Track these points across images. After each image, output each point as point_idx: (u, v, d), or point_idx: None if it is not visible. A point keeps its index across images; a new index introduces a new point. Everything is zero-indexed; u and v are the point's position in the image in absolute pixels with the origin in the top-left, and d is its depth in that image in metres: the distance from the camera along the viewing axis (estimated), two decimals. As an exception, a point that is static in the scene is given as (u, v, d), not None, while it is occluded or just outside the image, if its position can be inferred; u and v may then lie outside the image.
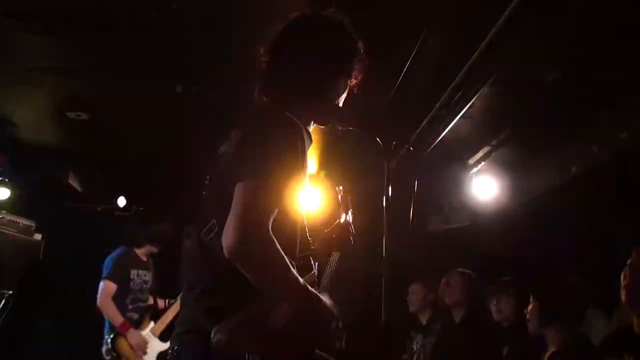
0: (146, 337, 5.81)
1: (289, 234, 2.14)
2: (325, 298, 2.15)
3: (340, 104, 2.48)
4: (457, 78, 4.63)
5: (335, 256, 2.67)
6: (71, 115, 5.95)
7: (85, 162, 7.59)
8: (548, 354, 3.90)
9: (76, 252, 8.33)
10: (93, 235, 8.53)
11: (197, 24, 4.33)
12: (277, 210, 1.98)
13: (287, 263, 1.96)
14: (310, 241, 2.47)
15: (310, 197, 6.30)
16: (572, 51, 4.13)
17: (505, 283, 4.85)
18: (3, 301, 5.97)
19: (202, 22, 4.29)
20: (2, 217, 6.38)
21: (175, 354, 2.07)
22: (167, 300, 6.46)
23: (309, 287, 2.08)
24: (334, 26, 2.42)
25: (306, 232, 2.38)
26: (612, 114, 4.84)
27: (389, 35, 4.25)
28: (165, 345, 5.89)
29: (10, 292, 6.04)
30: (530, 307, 4.01)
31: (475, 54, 4.25)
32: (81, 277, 8.32)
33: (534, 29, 3.68)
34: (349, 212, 2.93)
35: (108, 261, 5.99)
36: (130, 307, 5.94)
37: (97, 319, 6.98)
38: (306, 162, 2.13)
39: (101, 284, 5.84)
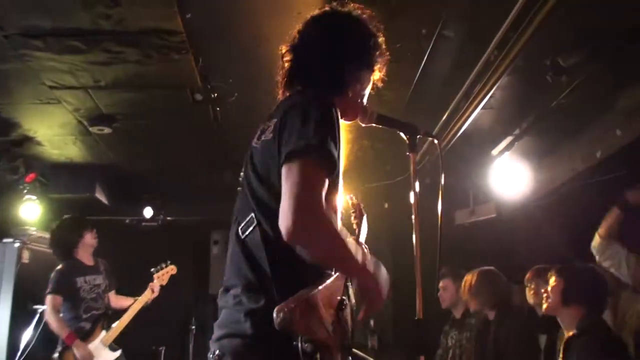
0: (95, 347, 5.61)
1: (332, 204, 2.12)
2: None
3: (365, 99, 2.48)
4: (476, 68, 4.62)
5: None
6: (94, 130, 6.01)
7: (111, 176, 7.67)
8: (565, 337, 3.86)
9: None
10: (122, 247, 8.64)
11: (212, 30, 4.35)
12: (327, 185, 1.96)
13: (345, 241, 1.96)
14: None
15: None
16: (593, 34, 4.10)
17: (544, 269, 4.82)
18: (37, 316, 6.03)
19: (215, 27, 4.32)
20: (33, 234, 6.46)
21: (216, 358, 2.05)
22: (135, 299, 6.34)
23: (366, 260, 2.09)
24: (354, 22, 2.43)
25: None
26: (636, 96, 4.79)
27: (409, 27, 4.25)
28: (116, 354, 5.82)
29: (45, 307, 6.09)
30: (552, 283, 3.97)
31: (493, 42, 4.24)
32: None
33: (551, 14, 3.65)
34: (363, 224, 2.93)
35: (52, 275, 5.67)
36: (84, 316, 5.72)
37: (128, 330, 7.08)
38: (340, 136, 2.10)
39: (47, 298, 5.55)
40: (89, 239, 6.06)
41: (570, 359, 3.73)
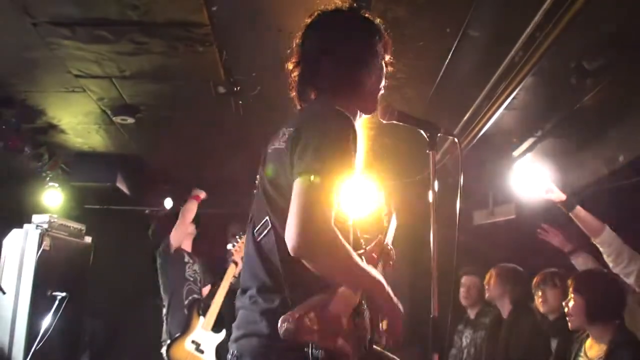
0: (198, 335, 5.85)
1: (343, 231, 2.13)
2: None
3: (381, 88, 2.48)
4: (500, 69, 4.59)
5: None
6: (117, 120, 6.05)
7: (133, 166, 7.72)
8: (601, 353, 3.80)
9: (124, 254, 8.52)
10: (141, 237, 8.71)
11: (237, 23, 4.37)
12: (336, 204, 1.98)
13: (354, 255, 1.98)
14: (362, 242, 2.48)
15: (356, 198, 6.31)
16: (619, 37, 4.06)
17: (551, 274, 4.80)
18: (57, 303, 6.09)
19: (240, 20, 4.34)
20: (54, 221, 6.52)
21: (235, 358, 2.08)
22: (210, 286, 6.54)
23: (380, 276, 2.11)
24: (347, 16, 2.44)
25: (357, 232, 2.39)
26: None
27: (431, 27, 4.24)
28: (221, 336, 5.98)
29: (64, 294, 6.16)
30: (572, 303, 3.93)
31: (518, 43, 4.22)
32: (129, 278, 8.51)
33: (577, 16, 3.63)
34: (392, 223, 2.93)
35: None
36: (185, 302, 6.07)
37: (145, 319, 7.15)
38: (356, 156, 2.12)
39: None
40: (192, 228, 6.57)
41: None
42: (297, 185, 1.96)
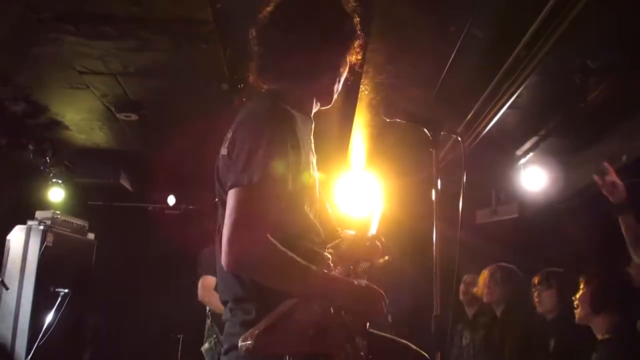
0: None
1: (306, 226, 2.09)
2: (359, 280, 2.10)
3: (341, 82, 2.39)
4: (504, 67, 4.59)
5: (363, 266, 2.54)
6: (121, 116, 6.06)
7: (136, 163, 7.72)
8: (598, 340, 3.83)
9: (127, 251, 8.53)
10: (144, 234, 8.73)
11: (241, 21, 4.37)
12: (275, 210, 1.90)
13: (294, 261, 1.89)
14: (340, 231, 2.39)
15: (353, 193, 6.29)
16: (623, 36, 4.06)
17: (546, 274, 4.78)
18: (59, 299, 6.11)
19: (244, 18, 4.33)
20: (57, 218, 6.53)
21: None
22: None
23: (330, 274, 2.03)
24: (328, 5, 2.32)
25: (331, 222, 2.33)
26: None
27: (435, 24, 4.24)
28: None
29: (67, 290, 6.17)
30: (580, 293, 3.94)
31: (522, 42, 4.21)
32: (132, 275, 8.53)
33: (581, 15, 3.63)
34: (375, 213, 2.85)
35: (198, 259, 5.85)
36: None
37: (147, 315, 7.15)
38: (301, 148, 2.04)
39: (200, 281, 5.70)
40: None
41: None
42: (229, 197, 1.89)
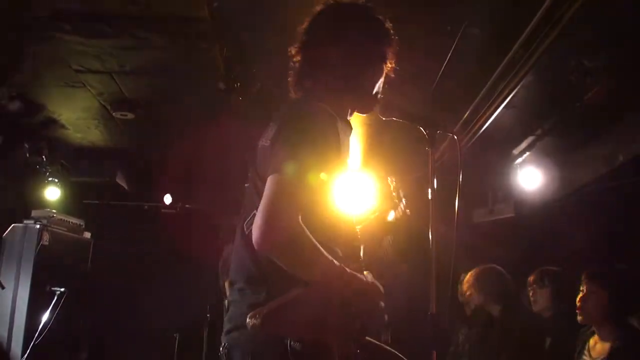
0: None
1: (330, 224, 2.14)
2: (369, 277, 2.14)
3: (379, 90, 2.46)
4: (501, 66, 4.59)
5: (387, 240, 2.66)
6: (117, 115, 6.05)
7: (132, 161, 7.72)
8: (604, 352, 3.71)
9: (123, 249, 8.52)
10: (140, 233, 8.72)
11: (238, 20, 4.37)
12: (308, 202, 1.97)
13: (319, 250, 1.96)
14: (358, 233, 2.46)
15: (359, 190, 6.27)
16: (619, 36, 4.06)
17: (541, 273, 4.77)
18: (55, 299, 6.10)
19: (241, 17, 4.34)
20: (53, 216, 6.52)
21: (225, 351, 2.09)
22: None
23: (347, 269, 2.06)
24: (361, 13, 2.40)
25: (353, 224, 2.38)
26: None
27: (432, 24, 4.24)
28: None
29: (63, 289, 6.16)
30: (592, 294, 3.81)
31: (518, 41, 4.22)
32: (128, 274, 8.52)
33: (577, 15, 3.63)
34: (402, 203, 2.91)
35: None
36: None
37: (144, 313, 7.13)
38: (342, 150, 2.12)
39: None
40: None
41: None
42: (269, 182, 1.97)
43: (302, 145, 1.99)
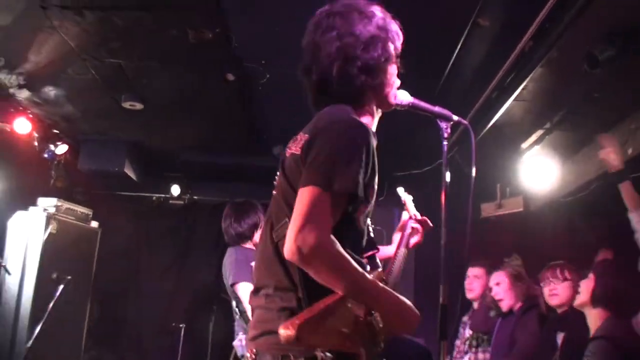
0: None
1: (355, 236, 2.16)
2: (402, 297, 2.14)
3: (397, 83, 2.45)
4: (510, 59, 4.57)
5: (402, 253, 2.67)
6: (126, 105, 6.05)
7: (141, 152, 7.73)
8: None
9: (130, 239, 8.55)
10: (148, 223, 8.74)
11: (247, 11, 4.36)
12: (340, 215, 2.01)
13: (352, 263, 1.98)
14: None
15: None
16: (630, 28, 4.02)
17: (560, 267, 4.76)
18: (61, 286, 6.11)
19: (251, 8, 4.34)
20: (61, 205, 6.54)
21: (254, 357, 2.08)
22: None
23: (380, 284, 2.08)
24: (375, 12, 2.36)
25: (371, 231, 2.38)
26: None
27: (441, 17, 4.22)
28: None
29: (69, 277, 6.17)
30: (587, 280, 3.92)
31: (528, 34, 4.19)
32: (135, 264, 8.56)
33: (591, 5, 3.61)
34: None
35: (232, 266, 4.95)
36: None
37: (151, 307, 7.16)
38: (375, 164, 2.12)
39: (240, 287, 4.83)
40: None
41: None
42: (301, 192, 1.98)
43: (337, 159, 2.00)
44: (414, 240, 3.11)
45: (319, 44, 2.30)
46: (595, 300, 3.81)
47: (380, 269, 2.33)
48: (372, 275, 2.10)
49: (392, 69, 2.39)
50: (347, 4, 2.36)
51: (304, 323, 1.80)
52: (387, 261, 2.81)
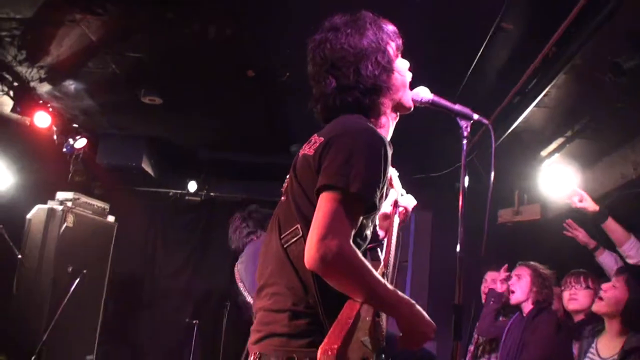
0: None
1: (363, 235, 2.16)
2: (417, 306, 2.13)
3: (409, 78, 2.44)
4: (532, 65, 4.53)
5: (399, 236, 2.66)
6: (145, 100, 6.07)
7: (159, 147, 7.75)
8: (614, 353, 3.75)
9: (147, 235, 8.58)
10: (164, 219, 8.77)
11: (268, 8, 4.36)
12: (359, 222, 2.01)
13: (373, 273, 1.97)
14: (379, 233, 2.46)
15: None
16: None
17: (583, 275, 4.73)
18: (77, 280, 6.14)
19: (272, 5, 4.33)
20: (78, 199, 6.57)
21: (258, 359, 2.07)
22: None
23: (398, 292, 2.07)
24: (375, 21, 2.36)
25: (377, 224, 2.37)
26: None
27: (465, 20, 4.19)
28: None
29: (85, 271, 6.21)
30: (615, 287, 3.87)
31: (552, 40, 4.16)
32: (151, 259, 8.58)
33: (617, 13, 3.57)
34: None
35: (250, 260, 5.18)
36: None
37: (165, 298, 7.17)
38: (388, 173, 2.12)
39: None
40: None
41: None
42: (321, 198, 1.97)
43: (355, 165, 1.98)
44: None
45: (336, 53, 2.30)
46: (627, 314, 3.75)
47: (381, 263, 2.33)
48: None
49: (396, 74, 2.37)
50: (347, 21, 2.36)
51: (341, 347, 1.79)
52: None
